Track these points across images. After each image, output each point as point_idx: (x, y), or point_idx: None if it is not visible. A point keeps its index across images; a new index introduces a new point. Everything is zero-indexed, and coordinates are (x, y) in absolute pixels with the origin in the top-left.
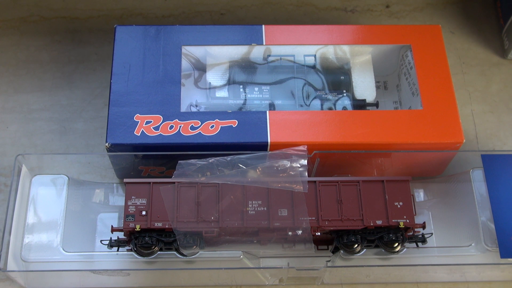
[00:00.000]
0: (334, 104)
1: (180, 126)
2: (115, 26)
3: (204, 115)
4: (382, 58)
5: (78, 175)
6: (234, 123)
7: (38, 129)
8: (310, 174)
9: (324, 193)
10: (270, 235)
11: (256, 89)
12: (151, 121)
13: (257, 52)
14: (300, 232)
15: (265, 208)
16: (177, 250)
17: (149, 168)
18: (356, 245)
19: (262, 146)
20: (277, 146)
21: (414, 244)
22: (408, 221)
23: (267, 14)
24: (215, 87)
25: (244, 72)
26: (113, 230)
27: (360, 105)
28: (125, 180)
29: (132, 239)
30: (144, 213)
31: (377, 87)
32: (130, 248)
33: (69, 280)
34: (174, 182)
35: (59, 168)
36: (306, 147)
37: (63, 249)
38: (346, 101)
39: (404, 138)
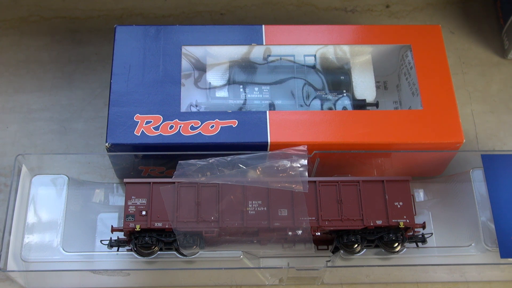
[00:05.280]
0: (334, 104)
1: (180, 126)
2: (115, 26)
3: (204, 115)
4: (382, 58)
5: (78, 175)
6: (234, 123)
7: (38, 129)
8: (310, 174)
9: (324, 193)
10: (270, 235)
11: (256, 89)
12: (151, 121)
13: (257, 52)
14: (300, 232)
15: (265, 208)
16: (177, 250)
17: (149, 168)
18: (356, 245)
19: (262, 146)
20: (277, 146)
21: (414, 244)
22: (408, 221)
23: (267, 14)
24: (215, 87)
25: (244, 72)
26: (113, 230)
27: (360, 105)
28: (125, 180)
29: (132, 239)
30: (144, 213)
31: (377, 87)
32: (130, 248)
33: (69, 280)
34: (174, 182)
35: (59, 168)
36: (306, 147)
37: (63, 249)
38: (346, 101)
39: (404, 138)
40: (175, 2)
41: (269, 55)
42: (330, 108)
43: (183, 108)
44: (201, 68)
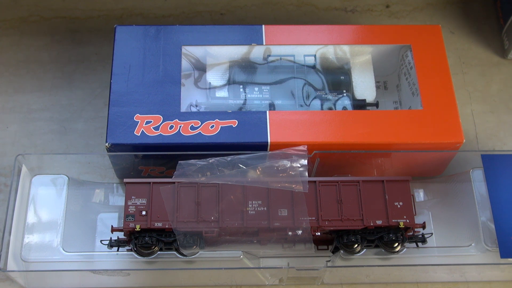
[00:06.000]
0: (334, 104)
1: (180, 126)
2: (115, 26)
3: (204, 115)
4: (382, 58)
5: (78, 175)
6: (234, 123)
7: (38, 129)
8: (310, 174)
9: (324, 193)
10: (270, 235)
11: (256, 89)
12: (151, 121)
13: (257, 52)
14: (300, 232)
15: (265, 208)
16: (177, 250)
17: (149, 168)
18: (356, 245)
19: (262, 146)
20: (277, 146)
21: (414, 244)
22: (408, 221)
23: (267, 14)
24: (215, 87)
25: (244, 72)
26: (113, 230)
27: (360, 105)
28: (125, 180)
29: (132, 239)
30: (144, 213)
31: (377, 87)
32: (130, 248)
33: (69, 280)
34: (174, 182)
35: (59, 168)
36: (306, 147)
37: (63, 249)
38: (346, 101)
39: (404, 138)
40: (175, 2)
41: (269, 55)
42: (330, 108)
43: (183, 108)
44: (201, 68)
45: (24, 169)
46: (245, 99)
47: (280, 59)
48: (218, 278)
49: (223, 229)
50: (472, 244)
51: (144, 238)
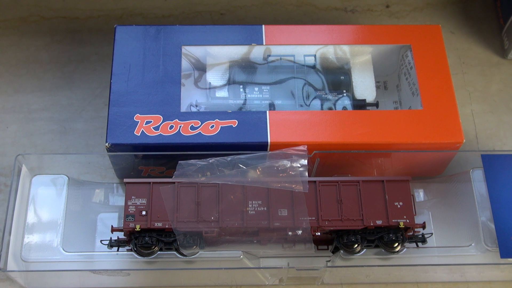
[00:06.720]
0: (334, 104)
1: (180, 126)
2: (115, 26)
3: (204, 115)
4: (382, 58)
5: (78, 175)
6: (234, 123)
7: (38, 129)
8: (310, 174)
9: (324, 193)
10: (270, 235)
11: (256, 89)
12: (151, 121)
13: (257, 52)
14: (300, 232)
15: (265, 208)
16: (177, 250)
17: (149, 168)
18: (356, 245)
19: (262, 146)
20: (277, 146)
21: (414, 244)
22: (408, 221)
23: (267, 14)
24: (215, 87)
25: (244, 72)
26: (113, 230)
27: (360, 105)
28: (125, 180)
29: (132, 239)
30: (144, 213)
31: (377, 87)
32: (130, 248)
33: (69, 280)
34: (174, 182)
35: (59, 168)
36: (306, 147)
37: (63, 249)
38: (346, 101)
39: (404, 138)
40: (175, 2)
41: (269, 55)
42: (330, 108)
43: (183, 108)
44: (201, 68)
45: (24, 169)
46: (245, 99)
47: (280, 59)
48: (218, 278)
49: (223, 229)
50: (472, 244)
51: (144, 238)
